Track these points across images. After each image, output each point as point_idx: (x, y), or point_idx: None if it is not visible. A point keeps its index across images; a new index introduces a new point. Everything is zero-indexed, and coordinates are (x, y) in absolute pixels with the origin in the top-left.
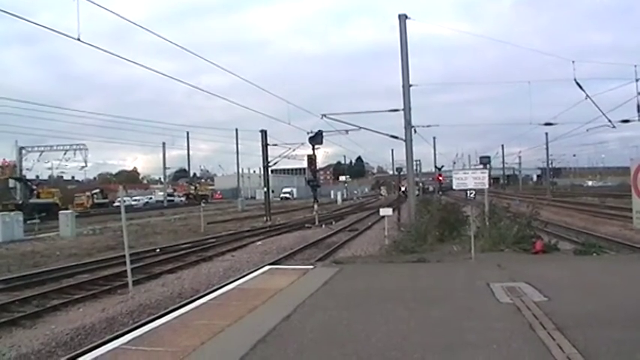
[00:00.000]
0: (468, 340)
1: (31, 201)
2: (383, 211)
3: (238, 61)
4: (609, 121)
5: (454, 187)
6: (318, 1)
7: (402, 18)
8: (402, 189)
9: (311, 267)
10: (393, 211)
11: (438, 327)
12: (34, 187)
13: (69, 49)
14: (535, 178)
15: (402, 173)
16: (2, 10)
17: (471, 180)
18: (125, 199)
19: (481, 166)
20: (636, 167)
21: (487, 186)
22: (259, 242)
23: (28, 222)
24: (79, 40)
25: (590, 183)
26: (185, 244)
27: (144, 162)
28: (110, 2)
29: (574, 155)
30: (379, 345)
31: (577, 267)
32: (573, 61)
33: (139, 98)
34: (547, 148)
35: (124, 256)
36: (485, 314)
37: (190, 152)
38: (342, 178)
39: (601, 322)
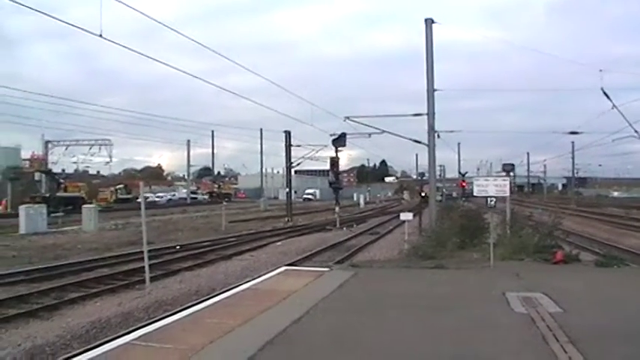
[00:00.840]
0: (480, 351)
1: (58, 194)
2: (403, 216)
3: (267, 62)
4: (635, 131)
5: (474, 194)
6: (348, 4)
7: (429, 22)
8: (423, 194)
9: (327, 269)
10: (414, 216)
11: (449, 335)
12: (62, 180)
13: (99, 46)
14: (560, 187)
15: (424, 178)
16: (21, 4)
17: (492, 187)
18: (148, 195)
19: (503, 174)
20: None
21: (508, 194)
22: (279, 243)
23: (52, 215)
24: (100, 36)
25: (615, 194)
26: (205, 242)
27: (169, 159)
28: (142, 0)
29: (600, 165)
30: (388, 351)
31: (596, 279)
32: (601, 70)
33: (167, 96)
34: (573, 158)
35: (143, 251)
36: (498, 324)
37: (215, 151)
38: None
39: (616, 335)
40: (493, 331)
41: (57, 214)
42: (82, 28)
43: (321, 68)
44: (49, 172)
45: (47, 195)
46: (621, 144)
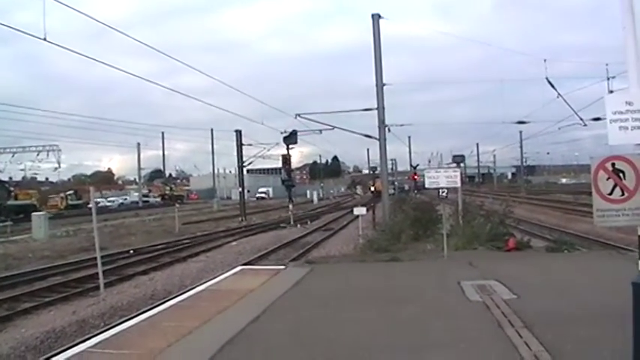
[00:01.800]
0: (436, 340)
1: (9, 203)
2: (357, 211)
3: (218, 62)
4: (581, 119)
5: (426, 186)
6: (297, 2)
7: (376, 18)
8: (372, 188)
9: (283, 267)
10: (368, 210)
11: (406, 326)
12: (12, 188)
13: (46, 50)
14: (510, 176)
15: (376, 172)
16: None
17: (443, 178)
18: (99, 200)
19: (454, 165)
20: (596, 166)
21: (459, 184)
22: (234, 242)
23: (0, 224)
24: (45, 40)
25: (564, 180)
26: (159, 245)
27: (120, 162)
28: (92, 1)
29: (548, 153)
30: (347, 346)
31: (548, 264)
32: (545, 60)
33: (117, 98)
34: (521, 147)
35: (96, 257)
36: (454, 313)
37: (167, 153)
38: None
39: (569, 319)
40: (449, 320)
41: (5, 223)
42: (25, 32)
43: (272, 66)
44: None
45: None
46: (568, 131)
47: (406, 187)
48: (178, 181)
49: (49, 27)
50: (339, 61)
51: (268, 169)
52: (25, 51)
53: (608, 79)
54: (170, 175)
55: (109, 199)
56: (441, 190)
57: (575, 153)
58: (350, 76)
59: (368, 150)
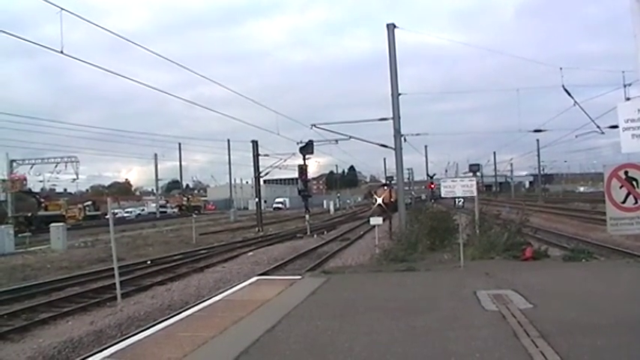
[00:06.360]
0: (451, 350)
1: (39, 213)
2: (373, 221)
3: (237, 72)
4: (598, 127)
5: (442, 195)
6: (316, 13)
7: (391, 27)
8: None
9: (299, 277)
10: (384, 220)
11: (421, 337)
12: (42, 199)
13: (68, 62)
14: (527, 184)
15: (392, 182)
16: None
17: (459, 188)
18: (117, 210)
19: (470, 174)
20: (609, 174)
21: (475, 193)
22: (250, 253)
23: (20, 235)
24: (62, 52)
25: (581, 189)
26: (176, 255)
27: (139, 173)
28: (113, 13)
29: (565, 161)
30: (361, 356)
31: (565, 273)
32: (561, 68)
33: (136, 109)
34: (538, 155)
35: (114, 268)
36: (469, 323)
37: (185, 163)
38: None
39: (585, 328)
40: (465, 330)
41: (25, 234)
42: (42, 45)
43: (291, 77)
44: (29, 192)
45: (29, 214)
46: (585, 139)
47: (423, 196)
48: (195, 191)
49: (72, 40)
50: (357, 71)
51: (285, 180)
52: (47, 64)
53: (625, 86)
54: (187, 185)
55: (126, 209)
56: (457, 200)
57: (593, 161)
58: (367, 86)
59: (385, 160)
